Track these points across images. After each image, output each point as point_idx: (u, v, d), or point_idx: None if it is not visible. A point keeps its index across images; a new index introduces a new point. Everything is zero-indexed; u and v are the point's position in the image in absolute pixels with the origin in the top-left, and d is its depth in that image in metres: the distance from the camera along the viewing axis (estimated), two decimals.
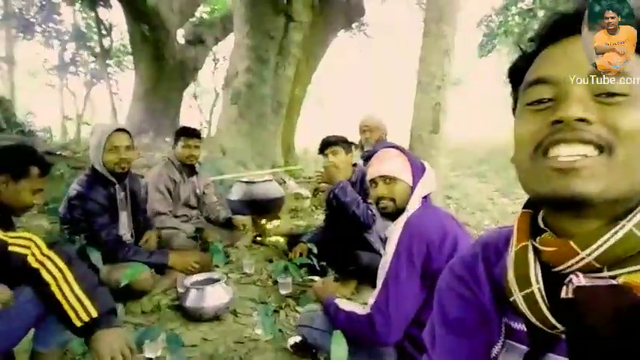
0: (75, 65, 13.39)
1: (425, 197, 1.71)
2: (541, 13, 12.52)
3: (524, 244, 0.63)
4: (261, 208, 4.04)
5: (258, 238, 3.92)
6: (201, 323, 2.46)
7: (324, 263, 3.03)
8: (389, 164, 1.73)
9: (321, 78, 8.47)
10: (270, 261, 3.49)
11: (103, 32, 10.15)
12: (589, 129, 0.52)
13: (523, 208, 0.70)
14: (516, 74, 0.68)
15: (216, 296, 2.49)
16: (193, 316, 2.47)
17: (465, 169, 10.49)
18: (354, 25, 10.34)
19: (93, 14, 10.11)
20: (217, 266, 3.02)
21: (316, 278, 3.05)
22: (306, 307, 2.12)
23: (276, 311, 2.60)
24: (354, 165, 3.12)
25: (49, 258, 1.41)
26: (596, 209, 0.54)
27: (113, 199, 2.69)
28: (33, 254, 1.40)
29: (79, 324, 1.37)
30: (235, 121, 5.73)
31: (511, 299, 0.62)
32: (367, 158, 3.57)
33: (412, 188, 1.68)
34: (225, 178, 4.70)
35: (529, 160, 0.58)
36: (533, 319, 0.60)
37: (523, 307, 0.60)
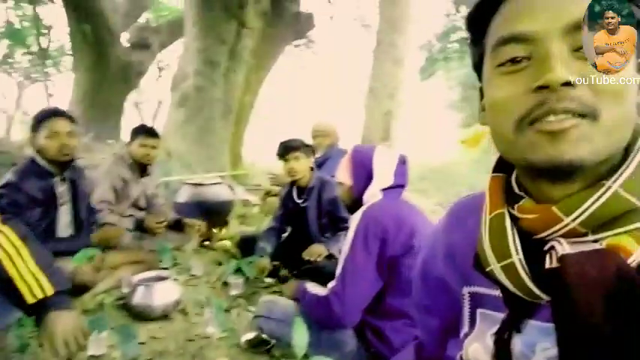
0: (7, 64, 12.60)
1: (394, 189, 1.76)
2: None
3: (499, 211, 0.60)
4: (211, 211, 3.94)
5: (206, 243, 3.81)
6: (148, 322, 2.35)
7: (278, 263, 2.99)
8: (338, 172, 1.90)
9: (265, 93, 8.46)
10: (219, 264, 3.40)
11: (42, 31, 9.65)
12: (574, 95, 0.50)
13: (493, 172, 0.67)
14: (477, 22, 0.64)
15: (165, 294, 2.39)
16: (141, 315, 2.35)
17: (408, 186, 10.76)
18: (301, 42, 10.45)
19: (29, 12, 9.61)
20: (165, 268, 2.90)
21: (268, 279, 3.01)
22: (263, 298, 2.10)
23: (227, 311, 2.52)
24: (312, 169, 3.11)
25: (2, 232, 1.30)
26: (582, 172, 0.53)
27: (51, 193, 2.47)
28: None
29: (31, 300, 1.27)
30: (182, 125, 5.59)
31: (487, 269, 0.60)
32: (319, 164, 3.59)
33: (353, 188, 1.80)
34: (174, 179, 4.56)
35: (513, 131, 0.55)
36: (513, 289, 0.57)
37: (502, 278, 0.58)
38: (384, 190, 1.74)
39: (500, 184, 0.64)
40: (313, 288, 1.78)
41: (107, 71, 7.83)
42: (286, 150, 3.01)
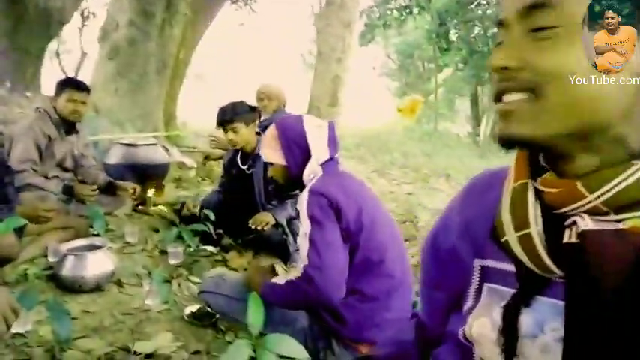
0: None
1: (331, 161, 1.70)
2: (416, 11, 13.37)
3: (522, 181, 0.60)
4: (145, 173, 3.70)
5: (141, 207, 3.59)
6: (79, 294, 2.17)
7: (221, 231, 2.87)
8: (265, 151, 1.78)
9: (201, 51, 7.96)
10: (156, 231, 3.21)
11: None
12: (515, 76, 0.53)
13: None
14: None
15: (98, 264, 2.21)
16: (71, 287, 2.16)
17: (345, 152, 10.84)
18: None
19: None
20: (97, 234, 2.68)
21: (210, 248, 2.89)
22: (209, 272, 1.98)
23: (167, 281, 2.38)
24: (258, 134, 2.96)
25: None
26: (575, 149, 0.54)
27: None
28: None
29: None
30: (113, 79, 5.14)
31: (503, 239, 0.60)
32: (264, 128, 3.44)
33: (287, 168, 1.70)
34: (103, 139, 4.22)
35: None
36: (527, 262, 0.57)
37: (517, 249, 0.58)
38: (322, 164, 1.68)
39: (526, 156, 0.63)
40: (279, 279, 1.64)
41: (24, 16, 7.02)
42: (224, 122, 2.82)
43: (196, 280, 2.46)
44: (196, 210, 3.13)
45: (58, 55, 13.49)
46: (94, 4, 12.14)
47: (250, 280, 1.75)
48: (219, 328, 1.99)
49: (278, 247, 2.73)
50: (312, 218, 1.53)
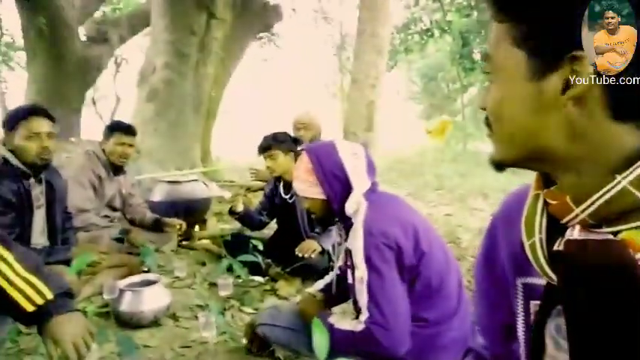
0: None
1: (372, 188, 1.64)
2: (437, 33, 13.47)
3: (536, 192, 0.64)
4: (187, 209, 3.78)
5: (185, 242, 3.66)
6: (137, 330, 2.21)
7: (269, 260, 2.90)
8: (299, 186, 1.70)
9: (230, 86, 8.14)
10: (203, 264, 3.27)
11: None
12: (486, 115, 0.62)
13: None
14: None
15: (155, 299, 2.26)
16: (129, 322, 2.21)
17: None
18: (264, 34, 10.24)
19: None
20: (148, 270, 2.75)
21: (258, 278, 2.91)
22: (265, 304, 1.99)
23: (220, 313, 2.41)
24: None
25: None
26: (548, 168, 0.60)
27: (26, 195, 2.27)
28: None
29: (31, 308, 1.13)
30: (152, 120, 5.33)
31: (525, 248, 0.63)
32: None
33: (328, 201, 1.63)
34: (148, 177, 4.35)
35: None
36: (537, 269, 0.60)
37: (529, 256, 0.61)
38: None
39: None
40: (341, 322, 1.57)
41: (64, 67, 7.41)
42: (262, 148, 2.90)
43: (248, 310, 2.48)
44: (242, 209, 3.14)
45: (94, 101, 14.09)
46: (126, 50, 12.67)
47: (304, 311, 1.75)
48: (277, 357, 1.99)
49: (325, 273, 2.72)
50: (369, 264, 1.47)
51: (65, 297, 1.21)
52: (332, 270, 2.75)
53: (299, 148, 3.44)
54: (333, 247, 2.79)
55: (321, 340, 1.38)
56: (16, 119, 2.22)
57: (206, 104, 6.07)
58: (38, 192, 2.35)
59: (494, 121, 0.60)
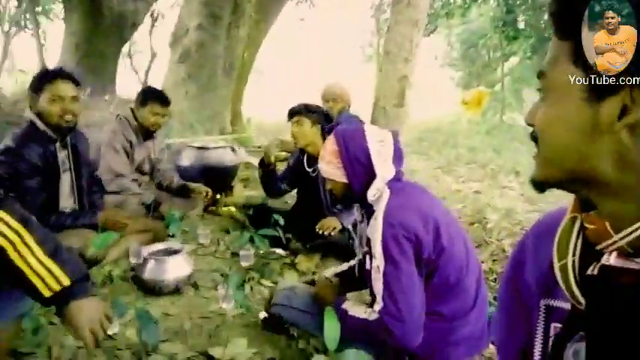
0: None
1: (397, 175, 1.62)
2: None
3: (573, 215, 0.63)
4: (215, 175, 3.82)
5: (211, 208, 3.72)
6: (159, 297, 2.28)
7: (290, 235, 2.91)
8: (324, 167, 1.69)
9: (263, 48, 7.99)
10: (227, 232, 3.32)
11: None
12: (533, 129, 0.61)
13: None
14: None
15: (177, 268, 2.32)
16: (152, 290, 2.28)
17: (406, 147, 10.64)
18: None
19: None
20: (172, 236, 2.81)
21: (279, 251, 2.94)
22: (280, 285, 2.01)
23: (240, 285, 2.45)
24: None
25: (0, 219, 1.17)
26: (588, 192, 0.58)
27: (52, 159, 2.32)
28: None
29: (48, 294, 1.16)
30: (183, 82, 5.34)
31: (553, 270, 0.63)
32: (329, 131, 3.44)
33: (349, 185, 1.62)
34: (177, 142, 4.40)
35: None
36: (565, 291, 0.60)
37: (558, 278, 0.61)
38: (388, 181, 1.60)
39: None
40: (355, 309, 1.58)
41: (101, 21, 7.44)
42: (291, 113, 2.89)
43: (267, 284, 2.52)
44: (273, 160, 3.12)
45: (130, 55, 14.19)
46: (163, 5, 12.63)
47: (320, 296, 1.76)
48: (291, 335, 2.02)
49: (344, 251, 2.73)
50: (387, 254, 1.47)
51: (82, 282, 1.24)
52: (351, 247, 2.77)
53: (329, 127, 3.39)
54: (354, 225, 2.79)
55: (331, 331, 1.39)
56: (41, 82, 2.25)
57: (237, 67, 6.02)
58: (64, 156, 2.39)
59: (542, 140, 0.59)
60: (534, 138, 0.61)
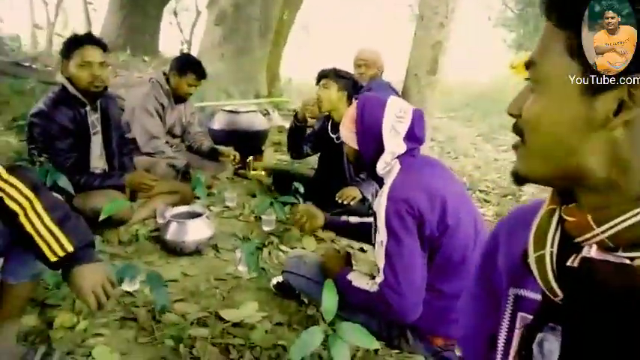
0: None
1: (410, 152, 1.59)
2: None
3: (551, 207, 0.62)
4: (245, 139, 3.88)
5: (241, 171, 3.79)
6: (181, 257, 2.38)
7: (310, 203, 2.94)
8: (342, 130, 1.72)
9: (307, 2, 7.81)
10: (253, 195, 3.39)
11: None
12: (515, 121, 0.60)
13: None
14: None
15: (197, 231, 2.41)
16: (173, 250, 2.39)
17: (450, 112, 10.37)
18: None
19: None
20: (198, 198, 2.90)
21: None
22: (291, 253, 2.05)
23: (259, 249, 2.52)
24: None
25: (10, 184, 1.24)
26: (573, 187, 0.57)
27: (83, 122, 2.42)
28: None
29: (53, 259, 1.25)
30: (219, 44, 5.36)
31: (527, 260, 0.62)
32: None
33: (360, 152, 1.65)
34: (208, 105, 4.47)
35: None
36: (540, 283, 0.60)
37: (534, 269, 0.60)
38: (399, 156, 1.58)
39: None
40: (358, 279, 1.62)
41: None
42: (319, 76, 2.87)
43: (286, 249, 2.58)
44: (309, 115, 3.15)
45: (175, 13, 14.29)
46: None
47: (327, 265, 1.79)
48: (302, 301, 2.08)
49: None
50: (390, 229, 1.47)
51: (87, 248, 1.31)
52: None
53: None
54: (374, 195, 2.79)
55: (329, 303, 1.43)
56: (70, 48, 2.32)
57: (273, 29, 5.96)
58: (94, 119, 2.49)
59: (530, 132, 0.57)
60: (518, 130, 0.59)
